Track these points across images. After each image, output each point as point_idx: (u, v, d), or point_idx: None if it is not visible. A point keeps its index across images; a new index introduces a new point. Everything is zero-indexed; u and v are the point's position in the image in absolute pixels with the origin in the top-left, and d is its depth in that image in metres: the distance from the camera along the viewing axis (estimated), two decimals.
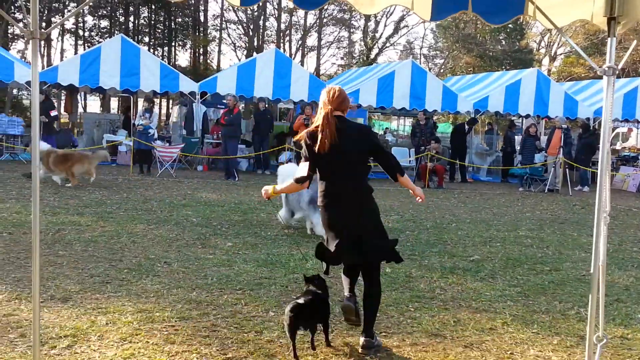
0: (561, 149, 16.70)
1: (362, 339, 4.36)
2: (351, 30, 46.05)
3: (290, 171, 7.88)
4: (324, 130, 4.26)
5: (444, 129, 28.24)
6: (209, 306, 5.10)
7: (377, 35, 45.14)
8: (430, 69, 43.03)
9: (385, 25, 45.01)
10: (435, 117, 25.60)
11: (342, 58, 47.21)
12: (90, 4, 31.94)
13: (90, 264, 6.24)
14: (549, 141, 17.69)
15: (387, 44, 45.69)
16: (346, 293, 4.58)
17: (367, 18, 41.73)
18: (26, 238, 7.30)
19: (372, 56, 43.92)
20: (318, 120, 4.34)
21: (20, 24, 34.84)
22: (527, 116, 20.45)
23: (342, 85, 21.12)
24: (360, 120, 22.67)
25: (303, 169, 4.46)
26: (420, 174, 16.58)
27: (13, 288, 5.34)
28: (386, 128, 31.10)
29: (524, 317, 5.30)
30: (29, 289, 5.27)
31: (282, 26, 42.82)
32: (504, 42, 42.29)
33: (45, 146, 12.03)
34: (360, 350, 4.32)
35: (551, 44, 44.22)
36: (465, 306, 5.54)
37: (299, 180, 4.47)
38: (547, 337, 4.84)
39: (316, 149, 4.28)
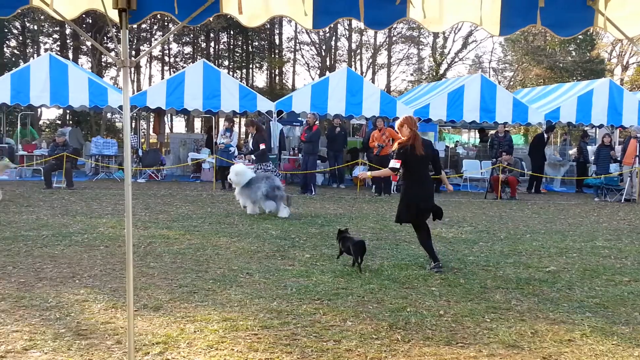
0: (637, 159, 15.92)
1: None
2: (420, 47, 45.69)
3: (242, 168, 11.26)
4: (417, 141, 7.06)
5: (516, 140, 27.48)
6: (289, 315, 5.14)
7: (446, 51, 44.55)
8: (499, 82, 42.06)
9: (453, 41, 44.11)
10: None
11: (411, 74, 46.87)
12: (175, 32, 33.15)
13: (179, 275, 6.42)
14: (624, 151, 16.90)
15: (456, 59, 45.01)
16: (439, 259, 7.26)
17: (436, 35, 41.32)
18: (121, 250, 7.60)
19: (441, 71, 43.38)
20: (408, 135, 7.10)
21: (112, 54, 36.44)
22: (601, 126, 19.65)
23: (412, 100, 20.96)
24: (432, 134, 22.42)
25: (395, 164, 7.03)
26: (493, 186, 16.18)
27: (110, 297, 5.55)
28: (457, 141, 30.56)
29: (603, 329, 5.05)
30: (124, 299, 5.46)
31: (353, 46, 43.00)
32: (574, 53, 40.86)
33: None
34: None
35: (622, 53, 42.41)
36: (542, 317, 5.33)
37: (393, 170, 7.12)
38: (627, 349, 4.59)
39: (416, 152, 7.00)
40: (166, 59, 41.98)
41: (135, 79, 39.82)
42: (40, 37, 36.28)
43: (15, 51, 37.25)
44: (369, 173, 7.59)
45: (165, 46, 40.25)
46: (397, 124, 7.34)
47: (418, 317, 5.19)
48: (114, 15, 4.08)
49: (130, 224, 3.94)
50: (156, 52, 40.77)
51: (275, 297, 5.69)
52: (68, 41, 36.44)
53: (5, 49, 36.49)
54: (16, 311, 5.09)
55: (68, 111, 29.38)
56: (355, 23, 40.01)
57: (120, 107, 17.32)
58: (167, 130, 30.96)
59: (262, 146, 12.70)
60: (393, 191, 15.96)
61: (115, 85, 31.42)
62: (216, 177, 15.98)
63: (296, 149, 18.42)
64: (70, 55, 34.92)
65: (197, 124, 40.17)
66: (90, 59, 36.69)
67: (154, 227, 9.44)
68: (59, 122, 35.24)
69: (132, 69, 38.82)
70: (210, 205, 12.34)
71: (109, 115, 31.57)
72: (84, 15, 4.13)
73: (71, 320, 4.91)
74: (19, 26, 35.64)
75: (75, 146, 17.41)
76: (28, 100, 16.85)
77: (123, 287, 5.88)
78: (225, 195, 14.13)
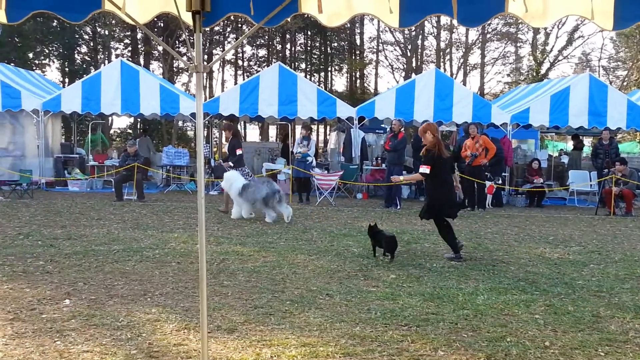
0: None
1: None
2: (518, 45, 44.71)
3: (234, 176, 12.37)
4: (441, 146, 8.62)
5: (630, 148, 26.31)
6: (374, 342, 5.10)
7: (548, 48, 43.32)
8: (611, 82, 40.45)
9: (557, 37, 42.93)
10: (619, 136, 23.94)
11: (508, 75, 45.91)
12: (250, 35, 33.99)
13: (254, 295, 6.52)
14: None
15: (560, 57, 43.69)
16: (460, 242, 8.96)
17: (536, 31, 40.27)
18: (193, 267, 7.80)
19: (542, 71, 42.22)
20: (432, 141, 8.59)
21: (184, 58, 37.75)
22: None
23: (509, 104, 20.49)
24: (532, 142, 21.84)
25: (426, 169, 8.49)
26: (605, 200, 15.52)
27: (182, 317, 5.70)
28: (561, 149, 29.56)
29: None
30: (197, 319, 5.60)
31: (442, 45, 42.60)
32: None
33: None
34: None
35: None
36: None
37: (423, 175, 8.58)
38: None
39: (442, 157, 8.55)
40: (239, 62, 43.02)
41: (208, 85, 41.01)
42: (112, 43, 38.07)
43: (87, 57, 39.27)
44: (401, 177, 10.40)
45: (239, 49, 41.24)
46: (420, 130, 8.96)
47: (520, 348, 5.03)
48: (187, 18, 4.22)
49: (204, 241, 4.03)
50: (229, 55, 41.86)
51: (358, 321, 5.67)
52: (139, 46, 38.05)
53: (76, 55, 38.53)
54: (87, 330, 5.32)
55: (139, 119, 30.59)
56: (444, 20, 39.68)
57: (193, 114, 17.89)
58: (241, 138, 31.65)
59: (238, 151, 13.70)
60: (488, 205, 15.62)
61: (187, 92, 32.47)
62: (293, 189, 16.16)
63: (379, 158, 18.39)
64: (142, 61, 36.43)
65: (272, 131, 40.88)
66: (161, 65, 38.16)
67: (227, 242, 9.65)
68: (130, 130, 36.80)
69: (205, 74, 40.01)
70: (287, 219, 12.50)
71: (180, 123, 32.63)
72: (155, 19, 4.32)
73: (142, 340, 5.07)
74: (90, 31, 37.57)
75: (146, 156, 18.09)
76: (99, 109, 17.68)
77: (195, 306, 6.03)
78: (302, 209, 14.26)
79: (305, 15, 4.31)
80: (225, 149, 26.14)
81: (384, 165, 17.29)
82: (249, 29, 35.64)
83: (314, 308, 6.06)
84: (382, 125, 20.43)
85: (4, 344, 4.96)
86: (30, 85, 19.54)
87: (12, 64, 25.59)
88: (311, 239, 10.21)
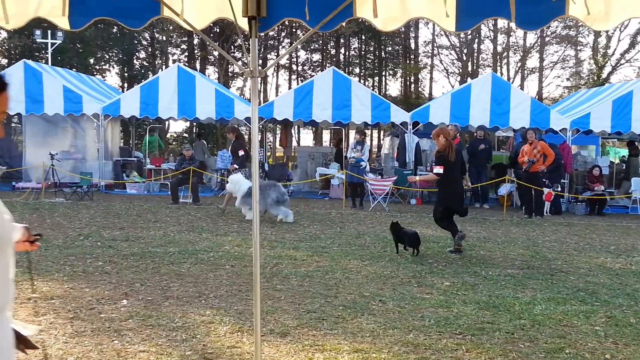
0: None
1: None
2: (578, 48, 43.62)
3: (239, 178, 12.92)
4: (452, 149, 9.47)
5: None
6: (427, 350, 5.05)
7: (610, 51, 42.16)
8: None
9: (619, 40, 41.51)
10: None
11: (568, 79, 44.84)
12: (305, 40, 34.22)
13: (307, 299, 6.55)
14: None
15: (622, 61, 42.46)
16: (459, 228, 9.78)
17: (598, 34, 39.25)
18: (247, 271, 7.89)
19: (604, 75, 41.11)
20: (444, 144, 9.50)
21: (239, 63, 38.20)
22: None
23: (569, 109, 20.03)
24: (592, 148, 21.30)
25: (439, 169, 9.44)
26: None
27: (236, 320, 5.77)
28: (623, 156, 28.70)
29: None
30: (250, 322, 5.65)
31: (499, 48, 41.96)
32: None
33: None
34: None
35: None
36: None
37: (438, 175, 9.52)
38: None
39: (451, 159, 9.46)
40: (294, 67, 43.33)
41: (262, 89, 41.44)
42: (169, 48, 38.89)
43: (145, 62, 40.23)
44: (417, 177, 12.45)
45: (293, 54, 41.54)
46: (433, 134, 9.91)
47: None
48: (243, 23, 4.28)
49: (258, 244, 4.07)
50: (283, 60, 42.21)
51: (412, 328, 5.63)
52: (196, 51, 38.75)
53: (135, 61, 39.53)
54: (143, 330, 5.44)
55: (194, 123, 31.12)
56: (501, 23, 39.09)
57: (247, 118, 18.11)
58: (295, 143, 31.90)
59: (240, 152, 14.42)
60: (546, 213, 15.28)
61: (242, 96, 32.87)
62: (346, 194, 16.17)
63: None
64: (198, 66, 37.08)
65: (326, 136, 41.01)
66: (217, 69, 38.75)
67: (281, 247, 9.72)
68: (186, 134, 37.48)
69: (259, 79, 40.45)
70: (340, 224, 12.51)
71: None
72: (211, 25, 4.39)
73: (197, 342, 5.16)
74: (148, 37, 38.48)
75: (201, 159, 18.38)
76: (156, 113, 18.07)
77: (249, 309, 6.09)
78: (356, 215, 14.26)
79: (360, 20, 4.31)
80: (281, 152, 26.35)
81: None
82: (303, 34, 35.91)
83: (366, 314, 6.05)
84: None
85: (64, 342, 5.11)
86: (91, 90, 20.12)
87: (74, 70, 26.43)
88: (364, 244, 10.20)
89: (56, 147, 17.59)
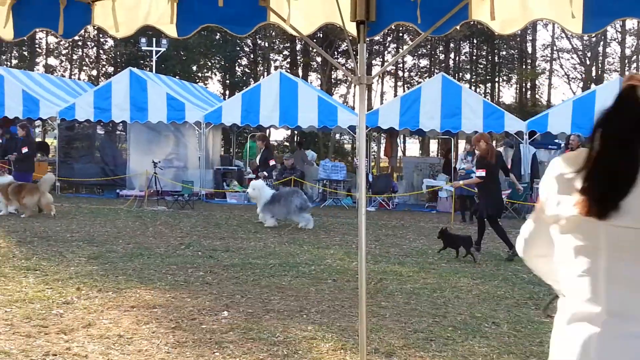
0: None
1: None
2: None
3: (261, 185, 13.60)
4: (493, 153, 10.52)
5: None
6: None
7: None
8: None
9: None
10: None
11: None
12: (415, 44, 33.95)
13: (413, 318, 6.51)
14: None
15: None
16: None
17: None
18: (350, 286, 7.93)
19: None
20: (485, 148, 10.40)
21: (343, 68, 38.37)
22: None
23: None
24: None
25: (482, 173, 10.32)
26: None
27: (339, 337, 5.82)
28: None
29: None
30: (354, 340, 5.68)
31: (627, 51, 40.15)
32: None
33: (6, 179, 13.87)
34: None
35: None
36: None
37: (481, 178, 10.41)
38: None
39: (493, 162, 10.37)
40: (400, 73, 43.23)
41: (366, 96, 41.56)
42: (271, 55, 39.82)
43: (246, 69, 41.38)
44: (461, 182, 13.18)
45: (400, 59, 41.48)
46: (474, 140, 11.12)
47: None
48: (351, 28, 4.33)
49: (364, 259, 4.09)
50: (389, 66, 42.19)
51: (529, 354, 5.47)
52: (298, 57, 39.45)
53: (236, 68, 40.73)
54: (244, 343, 5.58)
55: (296, 132, 31.65)
56: (630, 23, 37.42)
57: (351, 127, 18.22)
58: (400, 153, 31.76)
59: (271, 162, 15.20)
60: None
61: (345, 104, 33.12)
62: (455, 207, 15.94)
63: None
64: (300, 73, 37.74)
65: (433, 146, 40.61)
66: (319, 76, 39.29)
67: (385, 261, 9.70)
68: (287, 143, 38.17)
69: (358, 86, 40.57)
70: None
71: (337, 136, 33.33)
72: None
73: (299, 358, 5.24)
74: (250, 44, 39.58)
75: (302, 169, 18.64)
76: (258, 121, 18.50)
77: (352, 326, 6.13)
78: (465, 229, 14.00)
79: (471, 22, 4.26)
80: (386, 162, 26.34)
81: None
82: (410, 38, 35.68)
83: (478, 336, 5.94)
84: (556, 141, 19.59)
85: (166, 351, 5.33)
86: (194, 98, 20.90)
87: (177, 77, 27.57)
88: (475, 261, 10.01)
89: (159, 155, 18.36)
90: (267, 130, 27.17)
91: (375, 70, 38.67)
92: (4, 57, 36.05)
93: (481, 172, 10.44)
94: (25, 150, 15.48)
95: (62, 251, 9.66)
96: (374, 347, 5.51)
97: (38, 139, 28.31)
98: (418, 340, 5.78)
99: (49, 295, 7.02)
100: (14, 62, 38.21)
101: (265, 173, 14.88)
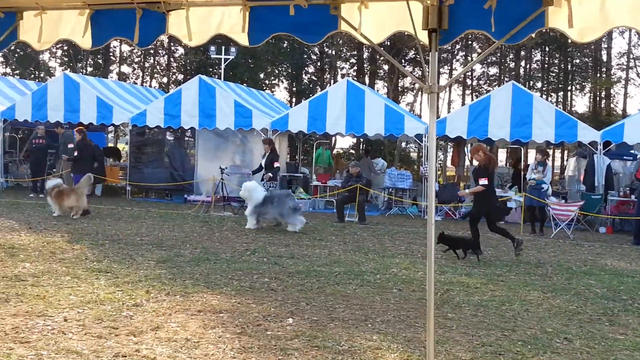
0: None
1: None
2: None
3: (253, 186, 13.85)
4: (493, 162, 11.57)
5: None
6: None
7: None
8: None
9: None
10: None
11: None
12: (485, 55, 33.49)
13: (481, 331, 6.39)
14: None
15: None
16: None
17: None
18: (415, 296, 7.86)
19: None
20: (484, 157, 11.20)
21: (414, 77, 38.16)
22: None
23: None
24: None
25: (485, 181, 10.98)
26: None
27: (404, 348, 5.76)
28: None
29: None
30: (420, 351, 5.63)
31: None
32: None
33: (53, 182, 14.53)
34: None
35: None
36: None
37: (484, 186, 10.98)
38: None
39: (492, 170, 11.51)
40: (468, 81, 42.72)
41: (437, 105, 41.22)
42: (338, 62, 39.96)
43: (313, 77, 41.65)
44: (467, 191, 14.18)
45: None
46: (471, 151, 12.35)
47: None
48: (422, 36, 4.30)
49: (432, 270, 4.05)
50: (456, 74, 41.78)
51: None
52: (365, 65, 39.46)
53: (303, 75, 41.06)
54: (309, 351, 5.59)
55: (361, 139, 31.63)
56: None
57: (417, 135, 18.10)
58: (467, 162, 31.35)
59: (276, 164, 15.43)
60: None
61: (412, 112, 32.95)
62: (525, 218, 15.61)
63: (628, 188, 17.11)
64: (367, 80, 37.74)
65: (501, 155, 39.92)
66: (386, 84, 39.20)
67: (451, 272, 9.58)
68: (352, 151, 38.21)
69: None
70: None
71: (403, 144, 33.19)
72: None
73: None
74: (317, 52, 39.83)
75: (369, 177, 18.61)
76: (324, 128, 18.58)
77: (418, 337, 6.07)
78: (535, 241, 13.72)
79: (546, 30, 4.18)
80: (452, 171, 26.05)
81: (633, 197, 16.04)
82: (480, 46, 35.26)
83: (549, 352, 5.79)
84: (632, 152, 18.99)
85: (232, 356, 5.39)
86: (261, 105, 21.16)
87: (244, 84, 27.97)
88: (546, 274, 9.78)
89: (226, 162, 18.66)
90: (333, 138, 27.26)
91: (443, 78, 38.34)
92: (79, 65, 37.27)
93: (484, 181, 11.03)
94: (75, 153, 16.36)
95: (132, 254, 9.92)
96: (440, 359, 5.44)
97: (110, 144, 29.17)
98: (486, 354, 5.68)
99: (119, 297, 7.21)
100: (89, 69, 39.48)
101: (270, 174, 15.24)
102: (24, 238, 10.99)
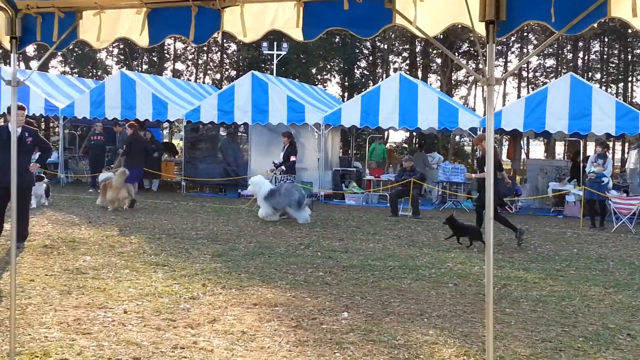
0: None
1: None
2: None
3: (260, 181, 14.24)
4: (497, 151, 13.47)
5: None
6: None
7: None
8: None
9: None
10: None
11: None
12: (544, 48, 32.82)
13: (540, 327, 6.30)
14: None
15: None
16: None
17: None
18: (472, 290, 7.79)
19: None
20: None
21: (471, 69, 37.77)
22: None
23: None
24: None
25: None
26: None
27: (461, 343, 5.72)
28: None
29: None
30: (477, 346, 5.58)
31: None
32: None
33: (103, 175, 15.29)
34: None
35: None
36: None
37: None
38: None
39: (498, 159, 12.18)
40: (523, 74, 42.00)
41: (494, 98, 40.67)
42: (390, 56, 39.75)
43: (365, 71, 41.54)
44: (473, 175, 13.99)
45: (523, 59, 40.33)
46: (475, 140, 12.74)
47: None
48: (479, 28, 4.24)
49: (491, 264, 4.00)
50: (513, 66, 41.11)
51: None
52: (417, 59, 39.15)
53: (355, 70, 40.98)
54: (365, 345, 5.60)
55: (414, 133, 31.43)
56: None
57: (472, 129, 17.89)
58: (523, 155, 30.83)
59: (292, 158, 15.53)
60: None
61: (466, 105, 32.57)
62: (584, 212, 15.29)
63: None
64: (419, 74, 37.45)
65: (559, 148, 39.16)
66: (439, 77, 38.83)
67: (509, 267, 9.45)
68: (405, 145, 38.00)
69: (484, 87, 39.71)
70: (577, 246, 11.85)
71: (457, 138, 32.84)
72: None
73: None
74: (369, 46, 39.69)
75: (422, 171, 18.48)
76: (377, 123, 18.53)
77: (475, 332, 6.02)
78: (595, 236, 13.42)
79: (604, 20, 4.06)
80: (508, 165, 25.70)
81: None
82: (536, 38, 34.56)
83: (612, 348, 5.67)
84: None
85: (287, 349, 5.44)
86: (313, 100, 21.21)
87: (297, 80, 28.08)
88: (607, 269, 9.56)
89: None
90: (386, 132, 27.18)
91: (498, 71, 37.74)
92: (135, 63, 37.99)
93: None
94: (124, 148, 16.88)
95: (188, 248, 10.08)
96: (499, 355, 5.38)
97: (165, 140, 29.68)
98: (546, 350, 5.59)
99: (176, 290, 7.34)
100: (145, 67, 40.21)
101: (283, 167, 15.46)
102: (84, 232, 11.29)
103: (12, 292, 4.97)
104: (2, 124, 12.18)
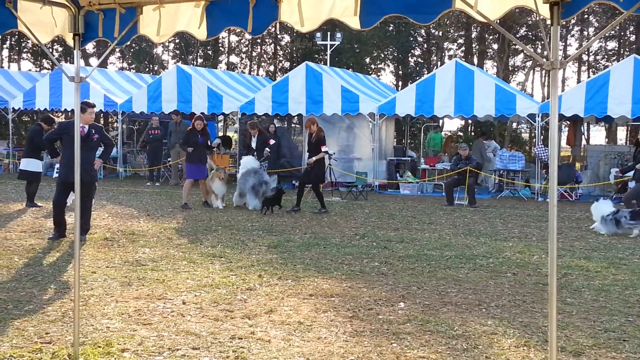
0: None
1: None
2: None
3: (249, 160, 14.78)
4: None
5: None
6: None
7: None
8: None
9: None
10: None
11: None
12: (606, 34, 31.96)
13: (603, 317, 6.13)
14: None
15: None
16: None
17: None
18: (531, 280, 7.63)
19: None
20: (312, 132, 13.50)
21: (522, 55, 36.99)
22: None
23: None
24: None
25: None
26: None
27: (521, 333, 5.61)
28: None
29: None
30: (537, 336, 5.47)
31: None
32: None
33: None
34: None
35: None
36: None
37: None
38: None
39: None
40: (584, 57, 40.90)
41: (546, 83, 39.82)
42: (445, 44, 39.22)
43: (419, 60, 41.12)
44: (313, 159, 13.84)
45: (584, 43, 39.28)
46: (307, 122, 13.38)
47: None
48: (543, 10, 4.11)
49: (555, 253, 3.89)
50: (572, 50, 40.10)
51: None
52: (473, 45, 38.52)
53: (409, 58, 40.60)
54: (422, 335, 5.54)
55: (470, 121, 30.98)
56: None
57: (530, 115, 17.53)
58: (583, 141, 30.07)
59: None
60: None
61: (523, 91, 31.91)
62: None
63: None
64: (475, 61, 36.85)
65: (620, 134, 38.03)
66: (495, 63, 38.14)
67: (569, 255, 9.23)
68: (460, 133, 37.49)
69: (544, 72, 38.88)
70: None
71: (514, 125, 32.24)
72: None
73: (479, 353, 5.11)
74: (424, 34, 39.25)
75: (478, 160, 18.21)
76: (432, 111, 18.31)
77: (535, 322, 5.90)
78: None
79: None
80: (567, 151, 25.13)
81: None
82: (597, 20, 33.50)
83: None
84: None
85: (344, 340, 5.42)
86: (367, 89, 21.10)
87: (350, 69, 27.98)
88: None
89: (333, 147, 18.73)
90: (441, 120, 26.83)
91: (573, 54, 36.84)
92: (190, 57, 38.47)
93: None
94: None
95: (244, 240, 10.16)
96: (560, 345, 5.25)
97: (220, 134, 30.00)
98: (609, 340, 5.43)
99: (233, 281, 7.41)
100: (200, 60, 40.68)
101: (268, 150, 15.87)
102: (142, 225, 11.50)
103: (76, 284, 5.09)
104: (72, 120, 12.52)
